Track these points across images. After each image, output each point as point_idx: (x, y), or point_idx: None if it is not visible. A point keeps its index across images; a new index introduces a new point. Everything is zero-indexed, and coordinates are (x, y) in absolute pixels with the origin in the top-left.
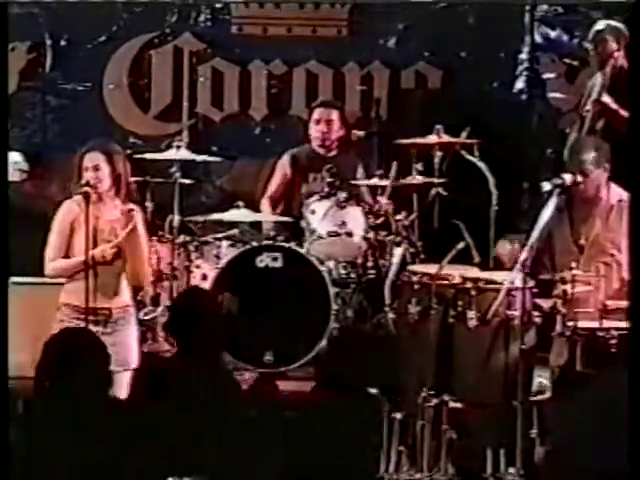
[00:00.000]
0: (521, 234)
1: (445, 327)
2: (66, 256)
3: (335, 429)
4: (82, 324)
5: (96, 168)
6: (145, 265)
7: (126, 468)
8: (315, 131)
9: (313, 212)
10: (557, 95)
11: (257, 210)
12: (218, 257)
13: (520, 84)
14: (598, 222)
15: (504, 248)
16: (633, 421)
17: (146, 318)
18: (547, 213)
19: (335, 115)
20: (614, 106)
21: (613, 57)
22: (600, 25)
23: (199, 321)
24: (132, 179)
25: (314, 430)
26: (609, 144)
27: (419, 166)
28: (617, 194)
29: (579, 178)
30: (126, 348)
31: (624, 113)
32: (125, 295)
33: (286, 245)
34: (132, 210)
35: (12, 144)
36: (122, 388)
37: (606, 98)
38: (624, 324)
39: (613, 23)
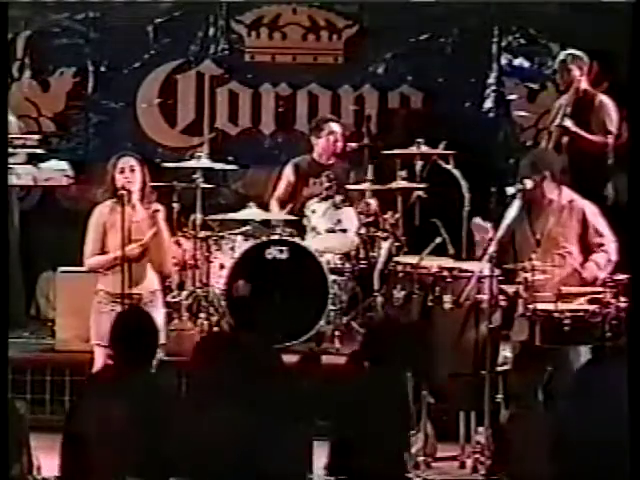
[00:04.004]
0: None
1: (425, 309)
2: (102, 253)
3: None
4: (117, 307)
5: (132, 169)
6: (167, 256)
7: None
8: (324, 141)
9: (313, 212)
10: (519, 113)
11: (266, 210)
12: (233, 250)
13: (488, 104)
14: (552, 219)
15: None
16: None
17: (173, 301)
18: (511, 213)
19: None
20: (574, 129)
21: (576, 82)
22: (562, 55)
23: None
24: (151, 186)
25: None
26: (567, 156)
27: (403, 173)
28: (568, 195)
29: (536, 177)
30: None
31: (584, 134)
32: (153, 282)
33: (291, 239)
34: (157, 210)
35: (60, 154)
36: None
37: (567, 122)
38: (575, 306)
39: (575, 52)
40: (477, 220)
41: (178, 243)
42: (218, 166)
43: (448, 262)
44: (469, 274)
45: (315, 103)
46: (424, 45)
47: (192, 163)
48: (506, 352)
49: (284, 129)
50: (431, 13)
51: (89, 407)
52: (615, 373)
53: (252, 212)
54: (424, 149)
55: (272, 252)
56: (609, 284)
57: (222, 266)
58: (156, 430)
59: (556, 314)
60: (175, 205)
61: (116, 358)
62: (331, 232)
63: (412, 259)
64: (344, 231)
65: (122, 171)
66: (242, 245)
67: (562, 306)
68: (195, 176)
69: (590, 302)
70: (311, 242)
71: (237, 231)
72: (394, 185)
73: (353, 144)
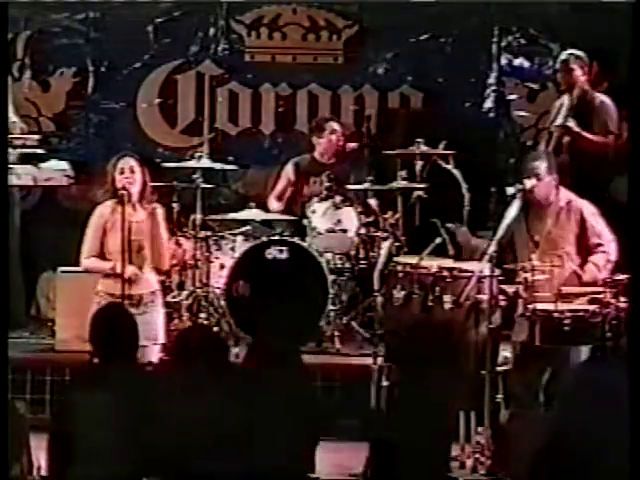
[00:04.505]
0: (489, 231)
1: (425, 309)
2: (101, 254)
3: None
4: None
5: (132, 170)
6: (165, 251)
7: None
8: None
9: (314, 212)
10: (519, 113)
11: (267, 210)
12: (233, 250)
13: (488, 104)
14: (550, 221)
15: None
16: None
17: (173, 301)
18: (511, 213)
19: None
20: (577, 129)
21: (578, 82)
22: (564, 55)
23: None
24: (151, 187)
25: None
26: (568, 156)
27: (403, 173)
28: (566, 196)
29: (534, 181)
30: (155, 326)
31: (586, 135)
32: (153, 282)
33: (291, 239)
34: (156, 208)
35: (60, 154)
36: (151, 359)
37: (570, 122)
38: (575, 306)
39: (576, 52)
40: (450, 225)
41: (178, 243)
42: (218, 166)
43: (448, 262)
44: (469, 274)
45: (315, 103)
46: (424, 45)
47: (192, 163)
48: (506, 352)
49: (284, 129)
50: (431, 13)
51: (73, 404)
52: (615, 373)
53: (252, 212)
54: (424, 149)
55: (272, 252)
56: (609, 284)
57: (222, 266)
58: (150, 426)
59: (556, 314)
60: (175, 205)
61: (97, 355)
62: (331, 232)
63: (412, 259)
64: (344, 231)
65: (122, 172)
66: (242, 245)
67: (562, 306)
68: (195, 176)
69: (590, 302)
70: (311, 242)
71: (237, 231)
72: (394, 185)
73: (353, 144)
